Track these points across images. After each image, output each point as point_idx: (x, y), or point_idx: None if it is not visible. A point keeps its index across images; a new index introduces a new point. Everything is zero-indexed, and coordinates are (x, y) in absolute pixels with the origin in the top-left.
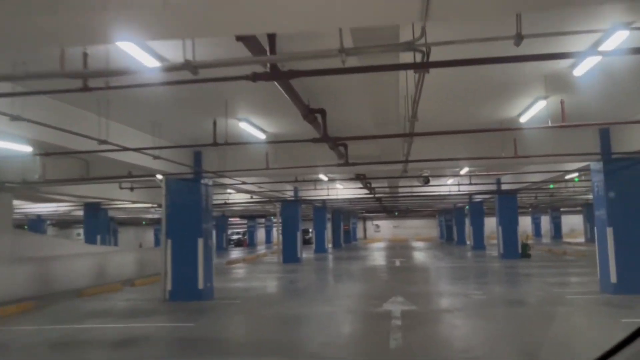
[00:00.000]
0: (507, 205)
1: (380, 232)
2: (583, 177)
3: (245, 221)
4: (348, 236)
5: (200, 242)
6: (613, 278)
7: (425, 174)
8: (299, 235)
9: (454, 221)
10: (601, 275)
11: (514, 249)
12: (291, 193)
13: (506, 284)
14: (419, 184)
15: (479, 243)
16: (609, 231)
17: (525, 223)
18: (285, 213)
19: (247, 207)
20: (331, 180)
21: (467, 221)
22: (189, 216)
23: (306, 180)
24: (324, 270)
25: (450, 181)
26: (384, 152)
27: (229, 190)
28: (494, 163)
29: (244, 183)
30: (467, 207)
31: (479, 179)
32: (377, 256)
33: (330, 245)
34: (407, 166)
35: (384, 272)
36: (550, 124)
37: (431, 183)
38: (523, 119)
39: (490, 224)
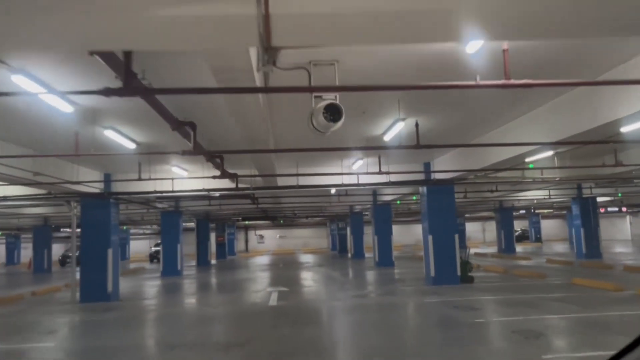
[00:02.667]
0: (442, 202)
1: (265, 244)
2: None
3: None
4: (223, 250)
5: None
6: None
7: (331, 101)
8: (111, 254)
9: (349, 230)
10: None
11: (452, 271)
12: (97, 184)
13: None
14: (317, 131)
15: (386, 258)
16: None
17: (417, 232)
18: (88, 218)
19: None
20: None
21: (367, 229)
22: None
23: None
24: (136, 324)
25: (356, 166)
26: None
27: None
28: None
29: None
30: (365, 211)
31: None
32: (251, 281)
33: (194, 263)
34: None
35: (246, 328)
36: None
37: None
38: None
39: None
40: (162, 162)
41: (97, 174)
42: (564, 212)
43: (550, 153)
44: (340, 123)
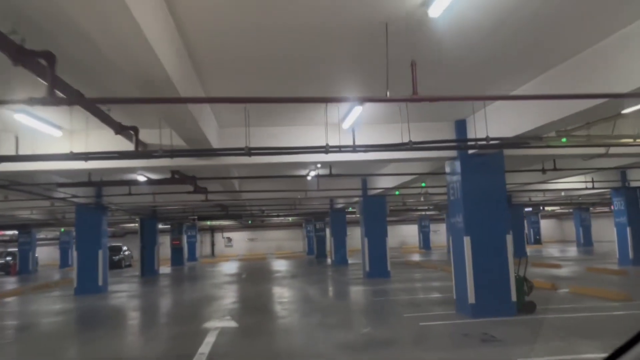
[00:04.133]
0: (486, 181)
1: (233, 247)
2: None
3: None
4: (179, 255)
5: None
6: None
7: None
8: None
9: (330, 230)
10: None
11: (503, 295)
12: None
13: None
14: None
15: (380, 267)
16: None
17: (402, 233)
18: None
19: None
20: None
21: (350, 230)
22: None
23: None
24: None
25: (349, 121)
26: None
27: None
28: None
29: None
30: (349, 207)
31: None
32: (192, 305)
33: (138, 274)
34: None
35: None
36: None
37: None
38: None
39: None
40: None
41: None
42: (569, 210)
43: None
44: None
